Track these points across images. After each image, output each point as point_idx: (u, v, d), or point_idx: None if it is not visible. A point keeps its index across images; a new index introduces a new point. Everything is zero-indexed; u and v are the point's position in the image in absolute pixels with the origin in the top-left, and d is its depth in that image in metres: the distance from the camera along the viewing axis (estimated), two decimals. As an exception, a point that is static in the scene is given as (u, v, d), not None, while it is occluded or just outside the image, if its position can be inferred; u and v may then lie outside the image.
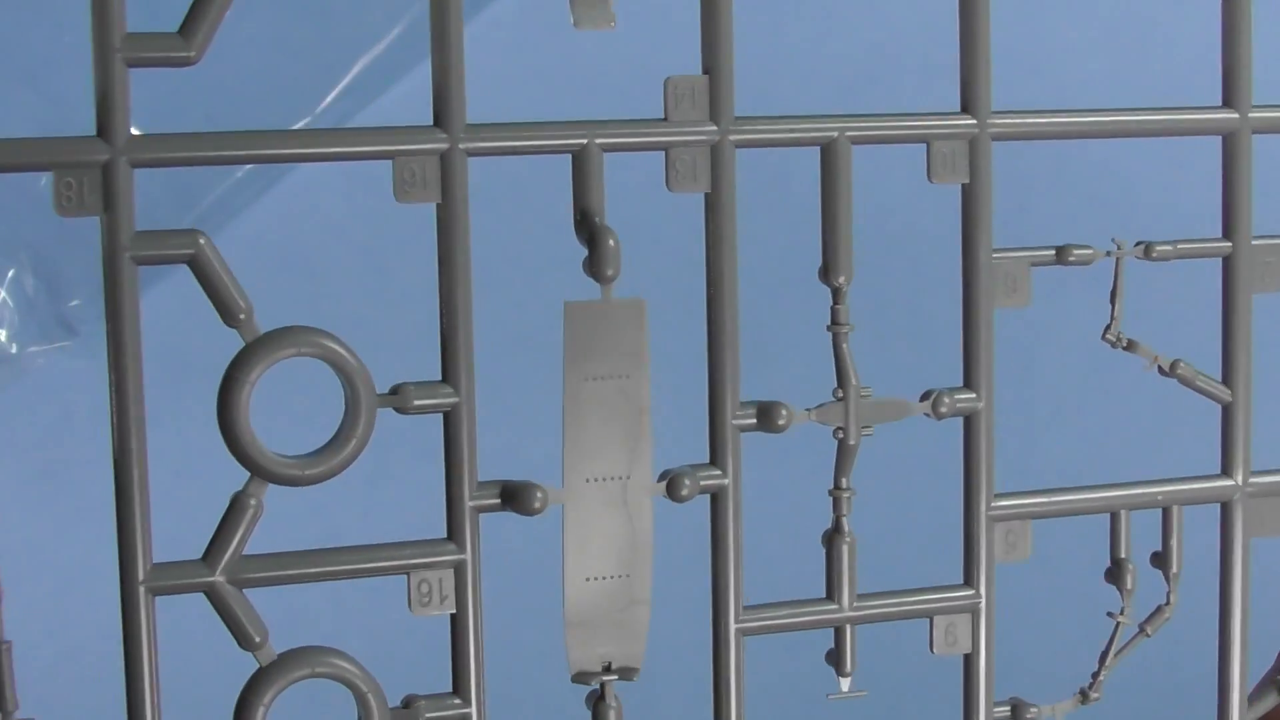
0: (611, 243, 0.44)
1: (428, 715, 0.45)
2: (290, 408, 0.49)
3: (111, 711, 0.43)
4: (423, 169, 0.44)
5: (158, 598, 0.43)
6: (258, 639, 0.43)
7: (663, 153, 0.45)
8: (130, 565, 0.42)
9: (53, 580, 0.60)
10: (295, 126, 0.72)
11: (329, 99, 0.72)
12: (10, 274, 0.68)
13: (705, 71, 0.45)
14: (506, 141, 0.44)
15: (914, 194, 0.47)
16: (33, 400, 0.63)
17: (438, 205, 0.44)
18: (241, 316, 0.42)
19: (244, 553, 0.43)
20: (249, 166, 0.71)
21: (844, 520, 0.47)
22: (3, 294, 0.67)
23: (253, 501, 0.43)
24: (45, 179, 0.42)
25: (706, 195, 0.46)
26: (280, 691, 0.43)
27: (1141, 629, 0.50)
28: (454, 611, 0.45)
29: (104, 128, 0.41)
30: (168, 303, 0.48)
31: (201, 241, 0.42)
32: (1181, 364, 0.49)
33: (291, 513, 0.45)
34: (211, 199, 0.69)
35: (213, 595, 0.43)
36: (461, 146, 0.44)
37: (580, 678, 0.45)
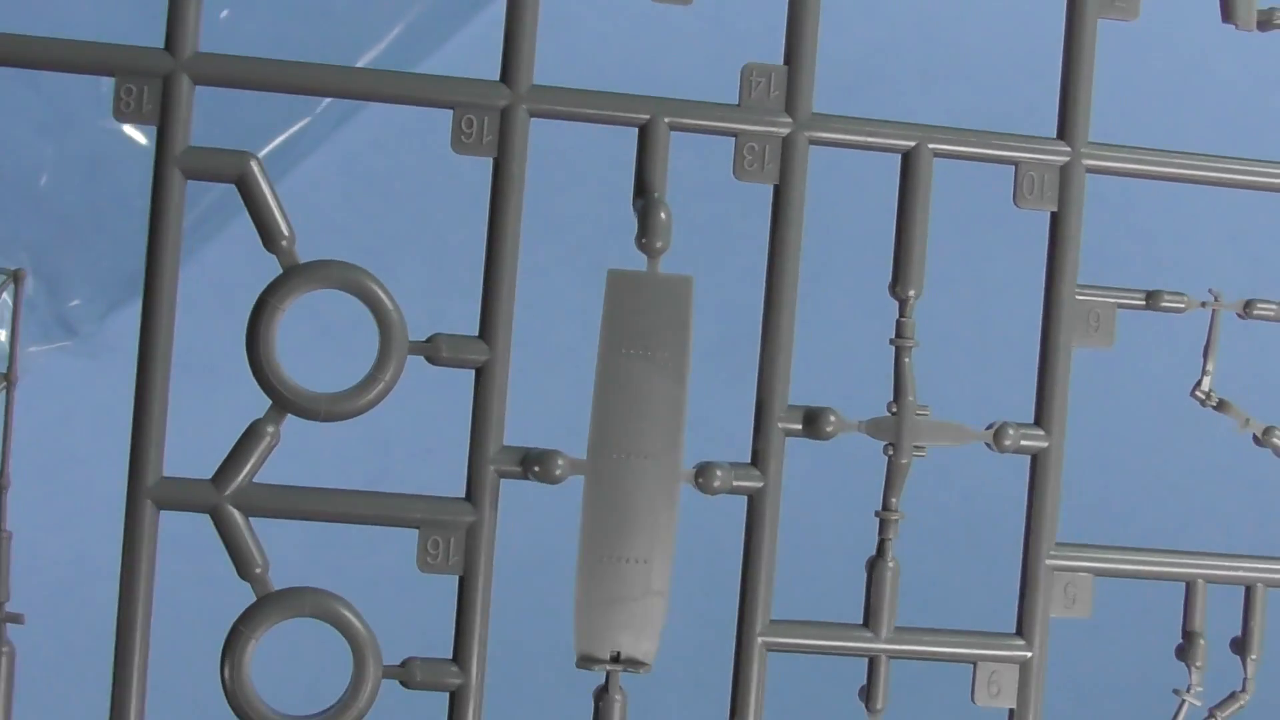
0: (663, 215, 0.43)
1: (421, 680, 0.43)
2: (338, 352, 0.48)
3: (102, 625, 0.42)
4: (482, 123, 0.43)
5: (163, 513, 0.43)
6: (258, 569, 0.43)
7: (733, 140, 0.45)
8: (139, 474, 0.42)
9: (51, 579, 0.60)
10: (296, 126, 0.72)
11: (330, 98, 0.69)
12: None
13: (786, 62, 0.45)
14: (572, 107, 0.44)
15: (1008, 213, 0.45)
16: (33, 400, 0.64)
17: (494, 161, 0.44)
18: (283, 243, 0.43)
19: (256, 482, 0.43)
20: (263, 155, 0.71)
21: (889, 544, 0.45)
22: (3, 294, 0.68)
23: (270, 430, 0.43)
24: (45, 179, 0.43)
25: (775, 188, 0.45)
26: (273, 625, 0.43)
27: (1211, 714, 0.47)
28: (462, 575, 0.44)
29: (172, 41, 0.42)
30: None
31: (252, 164, 0.42)
32: (1278, 433, 0.46)
33: (310, 453, 0.45)
34: (208, 199, 0.70)
35: (217, 518, 0.43)
36: (525, 106, 0.43)
37: (585, 662, 0.44)
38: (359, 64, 0.69)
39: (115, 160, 0.69)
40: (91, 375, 0.64)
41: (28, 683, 0.44)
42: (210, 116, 0.70)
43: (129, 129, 0.69)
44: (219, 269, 0.64)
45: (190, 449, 0.44)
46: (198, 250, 0.69)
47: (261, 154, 0.73)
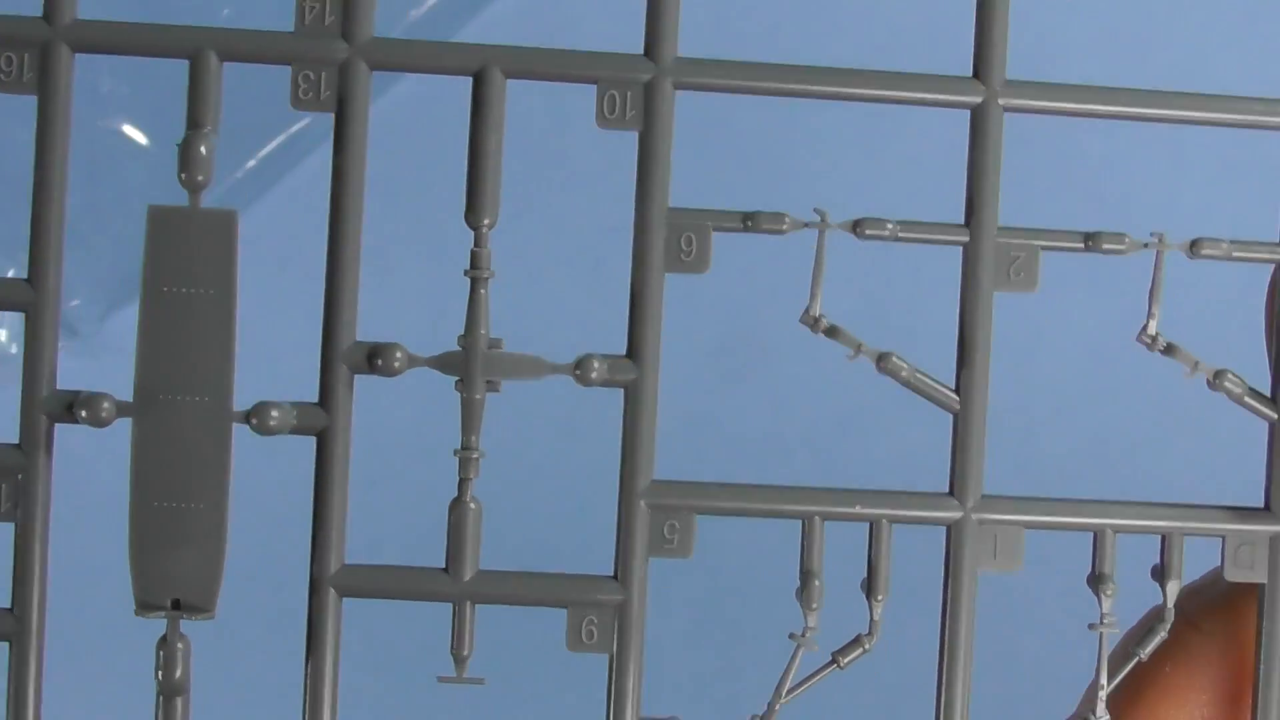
0: (204, 150, 0.42)
1: (-23, 629, 0.43)
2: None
3: None
4: (23, 60, 0.43)
5: None
6: None
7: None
8: None
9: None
10: (296, 126, 0.73)
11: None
12: (10, 274, 0.69)
13: (344, -14, 0.43)
14: (115, 39, 0.43)
15: (608, 136, 0.43)
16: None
17: (38, 99, 0.43)
18: None
19: None
20: (250, 165, 0.71)
21: (469, 484, 0.43)
22: None
23: None
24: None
25: (336, 117, 0.43)
26: None
27: (834, 659, 0.44)
28: (17, 521, 0.43)
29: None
30: None
31: None
32: (894, 358, 0.43)
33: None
34: (210, 199, 0.69)
35: None
36: (65, 43, 0.42)
37: (144, 610, 0.43)
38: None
39: (115, 160, 0.70)
40: (92, 375, 0.65)
41: None
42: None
43: (129, 129, 0.70)
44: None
45: None
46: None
47: (262, 154, 0.73)
